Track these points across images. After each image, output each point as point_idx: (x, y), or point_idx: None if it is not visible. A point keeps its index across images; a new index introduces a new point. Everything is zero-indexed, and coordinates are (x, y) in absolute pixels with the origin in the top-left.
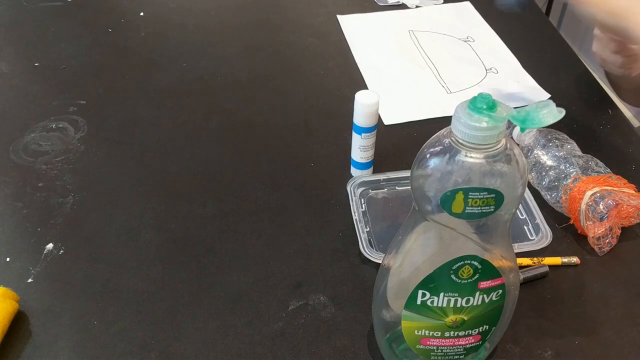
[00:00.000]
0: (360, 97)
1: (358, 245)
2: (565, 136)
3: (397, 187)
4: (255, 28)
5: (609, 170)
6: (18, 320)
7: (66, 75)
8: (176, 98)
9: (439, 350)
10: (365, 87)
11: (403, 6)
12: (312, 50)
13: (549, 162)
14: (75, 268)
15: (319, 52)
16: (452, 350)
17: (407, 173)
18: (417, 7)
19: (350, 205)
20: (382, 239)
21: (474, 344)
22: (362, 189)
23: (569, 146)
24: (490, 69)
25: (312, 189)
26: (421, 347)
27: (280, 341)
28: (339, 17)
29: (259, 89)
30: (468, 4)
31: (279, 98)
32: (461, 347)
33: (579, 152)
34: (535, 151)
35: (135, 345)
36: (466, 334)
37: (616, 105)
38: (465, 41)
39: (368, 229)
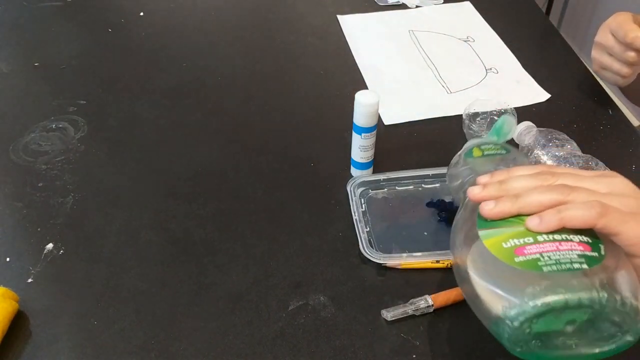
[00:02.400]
0: (360, 97)
1: (358, 245)
2: (565, 136)
3: (397, 187)
4: (255, 28)
5: (609, 170)
6: (18, 320)
7: (66, 75)
8: (176, 98)
9: (546, 258)
10: (365, 87)
11: (403, 6)
12: (312, 50)
13: (549, 162)
14: (75, 268)
15: (319, 52)
16: (563, 256)
17: (407, 173)
18: (417, 7)
19: (350, 205)
20: (382, 239)
21: (586, 253)
22: (362, 189)
23: (569, 146)
24: (490, 69)
25: (312, 189)
26: (521, 259)
27: (280, 341)
28: (339, 17)
29: (259, 89)
30: (468, 4)
31: (278, 98)
32: (570, 252)
33: (579, 152)
34: (535, 151)
35: (135, 345)
36: (563, 238)
37: (616, 105)
38: (465, 41)
39: (368, 229)
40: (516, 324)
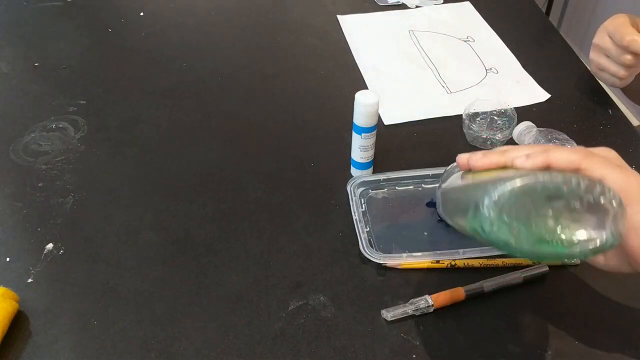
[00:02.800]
0: (360, 97)
1: (358, 245)
2: (566, 136)
3: (397, 187)
4: (255, 28)
5: None
6: (18, 320)
7: (66, 75)
8: (176, 98)
9: None
10: (365, 87)
11: (403, 6)
12: (312, 50)
13: None
14: (75, 268)
15: (319, 52)
16: None
17: (407, 173)
18: (417, 7)
19: (350, 205)
20: (382, 239)
21: None
22: (362, 189)
23: (569, 146)
24: (490, 69)
25: (312, 189)
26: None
27: (280, 341)
28: (339, 17)
29: (259, 89)
30: (468, 4)
31: (278, 98)
32: None
33: None
34: None
35: (135, 345)
36: None
37: (616, 105)
38: (465, 41)
39: (368, 229)
40: (495, 201)
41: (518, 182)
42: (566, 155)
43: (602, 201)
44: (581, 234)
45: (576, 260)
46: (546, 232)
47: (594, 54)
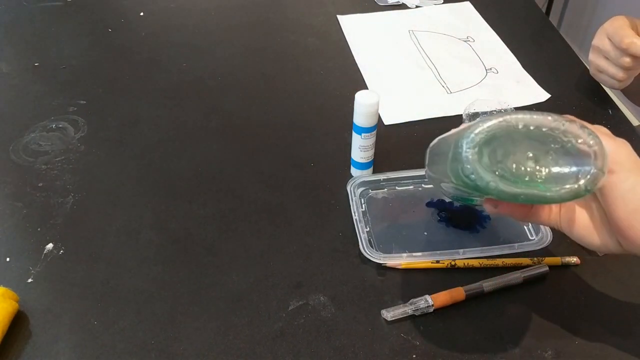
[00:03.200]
0: (360, 97)
1: (358, 245)
2: None
3: (397, 187)
4: (255, 28)
5: None
6: (18, 320)
7: (66, 75)
8: (176, 98)
9: None
10: (365, 87)
11: (403, 6)
12: (312, 50)
13: None
14: (75, 268)
15: (319, 52)
16: None
17: (407, 173)
18: (417, 7)
19: (350, 205)
20: (382, 239)
21: None
22: (362, 189)
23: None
24: (490, 69)
25: (312, 189)
26: None
27: (280, 341)
28: (339, 17)
29: (258, 89)
30: (468, 4)
31: (278, 98)
32: None
33: None
34: None
35: (135, 345)
36: None
37: (616, 105)
38: (465, 41)
39: (368, 229)
40: (474, 138)
41: (496, 119)
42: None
43: (582, 142)
44: (559, 173)
45: (576, 260)
46: (524, 171)
47: (593, 56)
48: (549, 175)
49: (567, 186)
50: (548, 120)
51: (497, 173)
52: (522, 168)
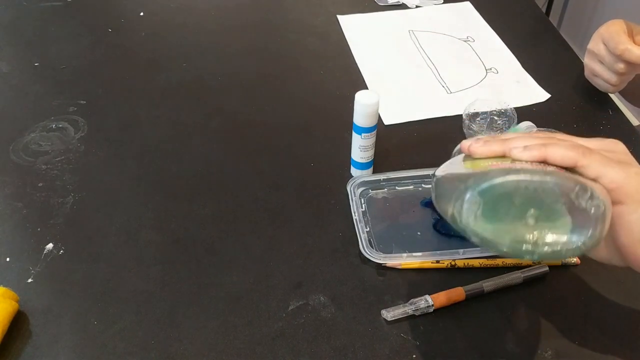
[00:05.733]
0: (360, 97)
1: (358, 245)
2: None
3: (397, 187)
4: (256, 28)
5: None
6: (18, 320)
7: (66, 75)
8: (176, 98)
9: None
10: (365, 87)
11: (403, 6)
12: (312, 50)
13: None
14: (75, 268)
15: (319, 52)
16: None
17: (407, 173)
18: (417, 7)
19: (350, 205)
20: (382, 239)
21: None
22: (362, 189)
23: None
24: (490, 69)
25: (312, 189)
26: (494, 168)
27: (280, 341)
28: (339, 17)
29: (259, 89)
30: (468, 4)
31: (279, 98)
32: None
33: None
34: None
35: (135, 345)
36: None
37: (616, 105)
38: (465, 41)
39: (368, 229)
40: (477, 194)
41: (499, 180)
42: (563, 151)
43: (587, 205)
44: (552, 238)
45: (576, 260)
46: (519, 233)
47: (588, 60)
48: (542, 238)
49: (557, 247)
50: (549, 184)
51: (490, 228)
52: (517, 227)
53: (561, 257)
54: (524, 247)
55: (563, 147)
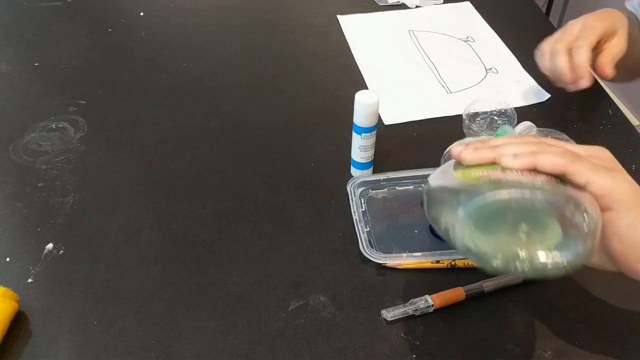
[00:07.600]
0: (360, 97)
1: (358, 245)
2: (566, 136)
3: (397, 187)
4: (255, 28)
5: None
6: (18, 320)
7: (66, 75)
8: (176, 98)
9: (509, 179)
10: (365, 87)
11: (403, 6)
12: (312, 50)
13: None
14: (75, 268)
15: (319, 52)
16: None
17: (407, 173)
18: (417, 7)
19: (350, 205)
20: (382, 239)
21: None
22: (362, 189)
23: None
24: (490, 69)
25: (312, 189)
26: (485, 179)
27: (280, 341)
28: (339, 17)
29: (258, 89)
30: (468, 4)
31: (278, 98)
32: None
33: None
34: None
35: (135, 345)
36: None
37: (616, 105)
38: (465, 41)
39: (368, 229)
40: (469, 211)
41: (489, 198)
42: (552, 159)
43: (575, 221)
44: (544, 256)
45: None
46: (511, 250)
47: (559, 32)
48: (533, 255)
49: (549, 265)
50: (539, 199)
51: (480, 244)
52: (508, 244)
53: (551, 273)
54: (516, 263)
55: (552, 155)
